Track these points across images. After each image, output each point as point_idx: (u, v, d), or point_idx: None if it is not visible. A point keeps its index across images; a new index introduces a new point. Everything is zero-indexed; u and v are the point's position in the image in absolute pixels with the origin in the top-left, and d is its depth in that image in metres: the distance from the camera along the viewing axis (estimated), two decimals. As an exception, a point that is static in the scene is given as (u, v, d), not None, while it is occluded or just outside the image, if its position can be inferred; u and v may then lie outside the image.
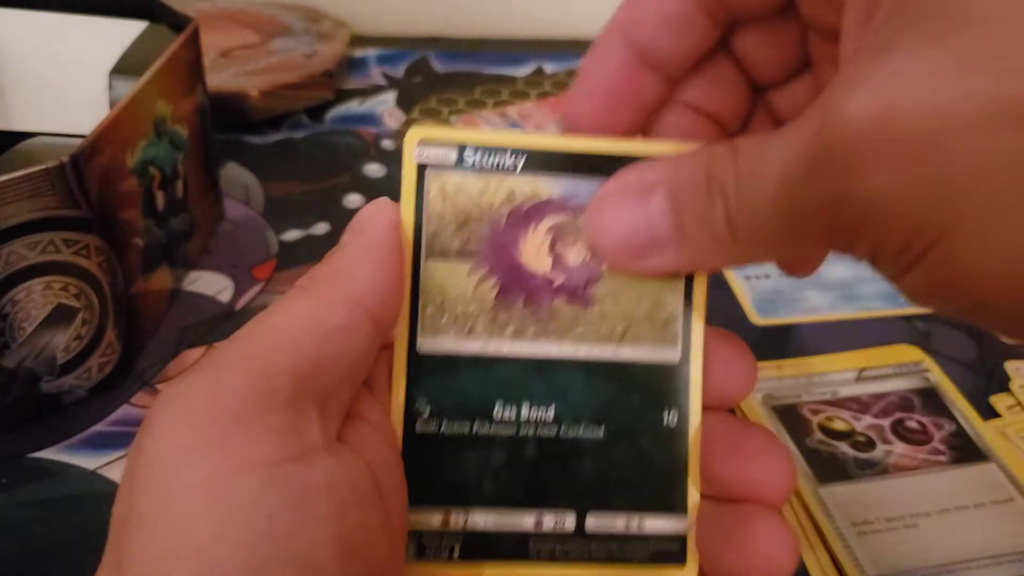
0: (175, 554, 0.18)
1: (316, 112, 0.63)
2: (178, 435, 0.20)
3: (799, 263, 0.27)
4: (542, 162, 0.25)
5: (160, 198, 0.44)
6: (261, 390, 0.20)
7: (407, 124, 0.63)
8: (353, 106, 0.65)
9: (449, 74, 0.69)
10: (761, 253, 0.22)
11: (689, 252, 0.22)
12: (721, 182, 0.21)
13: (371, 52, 0.71)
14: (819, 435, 0.41)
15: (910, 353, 0.45)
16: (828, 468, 0.39)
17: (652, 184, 0.23)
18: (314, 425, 0.21)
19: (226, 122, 0.59)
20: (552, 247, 0.25)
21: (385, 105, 0.65)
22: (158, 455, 0.20)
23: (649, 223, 0.23)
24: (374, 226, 0.24)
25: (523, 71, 0.69)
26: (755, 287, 0.50)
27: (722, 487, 0.25)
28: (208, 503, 0.19)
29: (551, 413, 0.25)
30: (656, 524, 0.25)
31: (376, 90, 0.67)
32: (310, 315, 0.22)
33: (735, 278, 0.50)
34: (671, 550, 0.25)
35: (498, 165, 0.25)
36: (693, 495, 0.25)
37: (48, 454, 0.40)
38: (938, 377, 0.44)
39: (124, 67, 0.45)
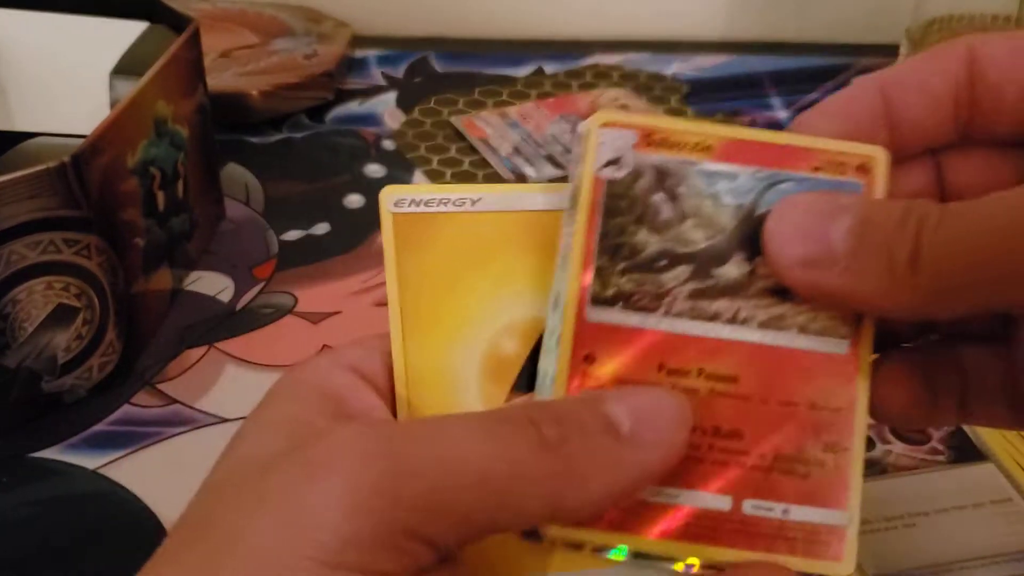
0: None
1: (316, 112, 0.63)
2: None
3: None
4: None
5: (161, 198, 0.45)
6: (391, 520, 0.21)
7: (407, 124, 0.63)
8: (353, 106, 0.65)
9: (449, 74, 0.69)
10: (927, 301, 0.22)
11: (854, 278, 0.23)
12: (922, 216, 0.22)
13: (371, 52, 0.71)
14: (818, 435, 0.41)
15: (909, 353, 0.45)
16: (827, 468, 0.39)
17: (846, 205, 0.23)
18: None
19: (226, 122, 0.59)
20: None
21: (385, 105, 0.65)
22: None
23: (827, 236, 0.23)
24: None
25: (523, 71, 0.69)
26: (755, 287, 0.50)
27: None
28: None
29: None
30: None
31: (376, 90, 0.67)
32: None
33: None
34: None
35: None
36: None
37: (48, 454, 0.40)
38: (937, 377, 0.44)
39: (125, 67, 0.45)
